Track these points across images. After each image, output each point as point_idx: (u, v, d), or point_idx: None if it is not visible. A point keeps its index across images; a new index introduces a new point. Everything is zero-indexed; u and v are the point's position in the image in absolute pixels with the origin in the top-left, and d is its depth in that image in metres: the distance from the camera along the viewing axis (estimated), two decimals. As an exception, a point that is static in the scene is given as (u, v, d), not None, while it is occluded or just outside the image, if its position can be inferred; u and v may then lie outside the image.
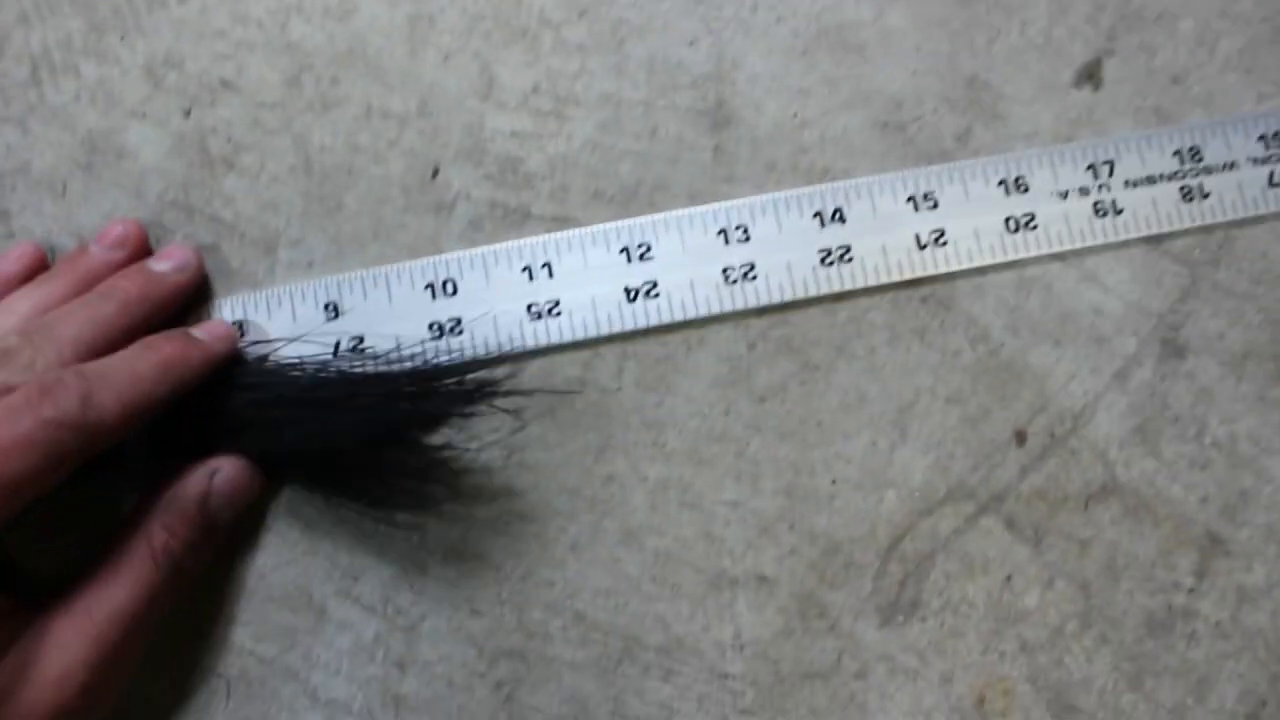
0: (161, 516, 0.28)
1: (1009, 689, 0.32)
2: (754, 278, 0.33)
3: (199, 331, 0.30)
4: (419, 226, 0.33)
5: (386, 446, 0.29)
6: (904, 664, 0.32)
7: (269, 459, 0.30)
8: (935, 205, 0.33)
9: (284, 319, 0.32)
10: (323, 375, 0.30)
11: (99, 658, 0.26)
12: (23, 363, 0.26)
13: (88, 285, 0.30)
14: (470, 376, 0.29)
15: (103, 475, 0.28)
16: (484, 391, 0.29)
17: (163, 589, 0.28)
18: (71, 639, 0.26)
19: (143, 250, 0.32)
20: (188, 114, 0.33)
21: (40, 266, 0.31)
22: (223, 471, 0.29)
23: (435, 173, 0.33)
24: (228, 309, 0.32)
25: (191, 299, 0.32)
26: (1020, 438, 0.33)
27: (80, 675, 0.25)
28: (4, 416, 0.24)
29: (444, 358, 0.30)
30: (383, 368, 0.30)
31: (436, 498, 0.31)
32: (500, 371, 0.31)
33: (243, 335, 0.31)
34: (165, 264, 0.31)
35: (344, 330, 0.31)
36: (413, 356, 0.30)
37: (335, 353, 0.31)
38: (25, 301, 0.29)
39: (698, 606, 0.32)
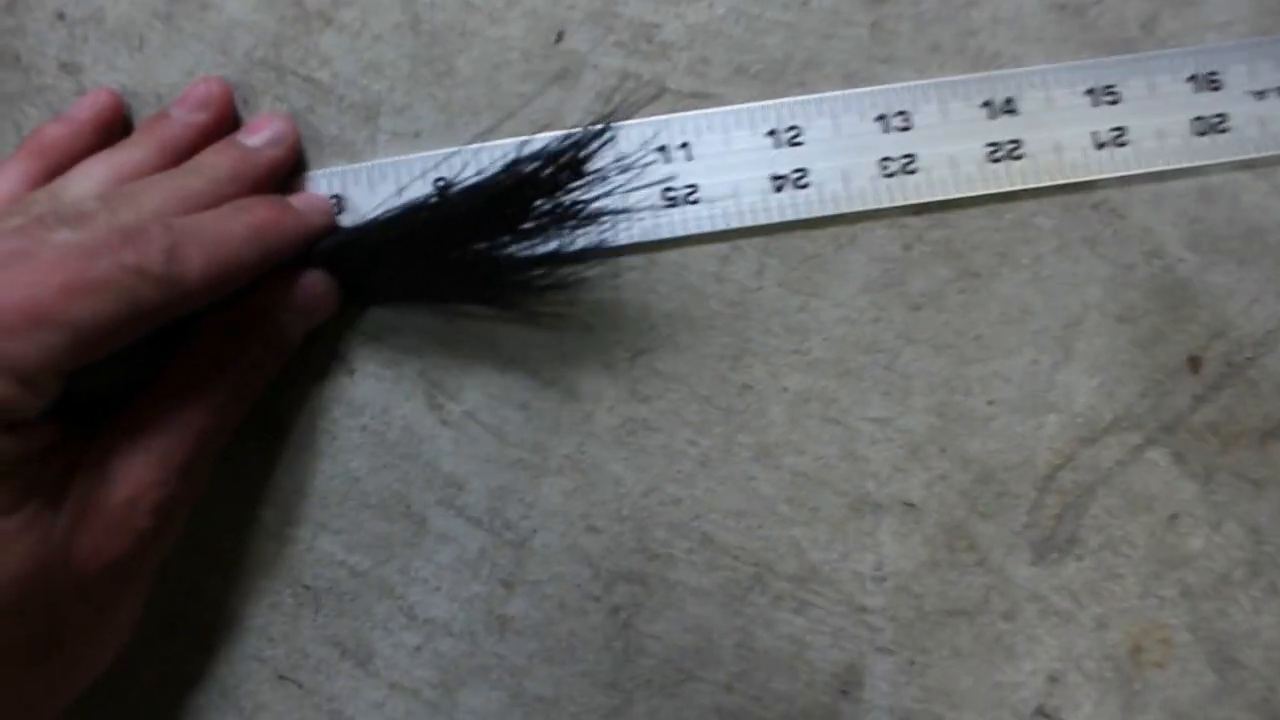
0: (228, 329, 0.26)
1: (1167, 638, 0.29)
2: (914, 170, 0.29)
3: (296, 200, 0.27)
4: (539, 97, 0.29)
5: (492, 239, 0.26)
6: (1056, 605, 0.29)
7: (359, 285, 0.27)
8: (1116, 100, 0.30)
9: (387, 196, 0.28)
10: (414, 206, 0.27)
11: (168, 476, 0.24)
12: (99, 225, 0.23)
13: (170, 153, 0.27)
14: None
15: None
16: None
17: (229, 405, 0.26)
18: (139, 459, 0.24)
19: (228, 114, 0.28)
20: (281, -41, 0.29)
21: (116, 118, 0.28)
22: (295, 284, 0.27)
23: (559, 37, 0.29)
24: (323, 182, 0.28)
25: (286, 177, 0.28)
26: (1194, 364, 0.30)
27: (151, 495, 0.24)
28: (78, 255, 0.21)
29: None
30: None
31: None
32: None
33: (339, 211, 0.28)
34: (258, 137, 0.28)
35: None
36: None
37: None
38: (102, 166, 0.26)
39: (837, 533, 0.28)
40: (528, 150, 0.25)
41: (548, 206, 0.25)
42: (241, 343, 0.26)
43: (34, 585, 0.22)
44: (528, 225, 0.25)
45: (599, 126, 0.25)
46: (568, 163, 0.25)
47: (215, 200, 0.26)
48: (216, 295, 0.24)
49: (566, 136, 0.25)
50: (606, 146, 0.25)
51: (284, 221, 0.26)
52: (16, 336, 0.20)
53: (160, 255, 0.22)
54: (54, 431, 0.23)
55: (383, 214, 0.27)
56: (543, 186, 0.25)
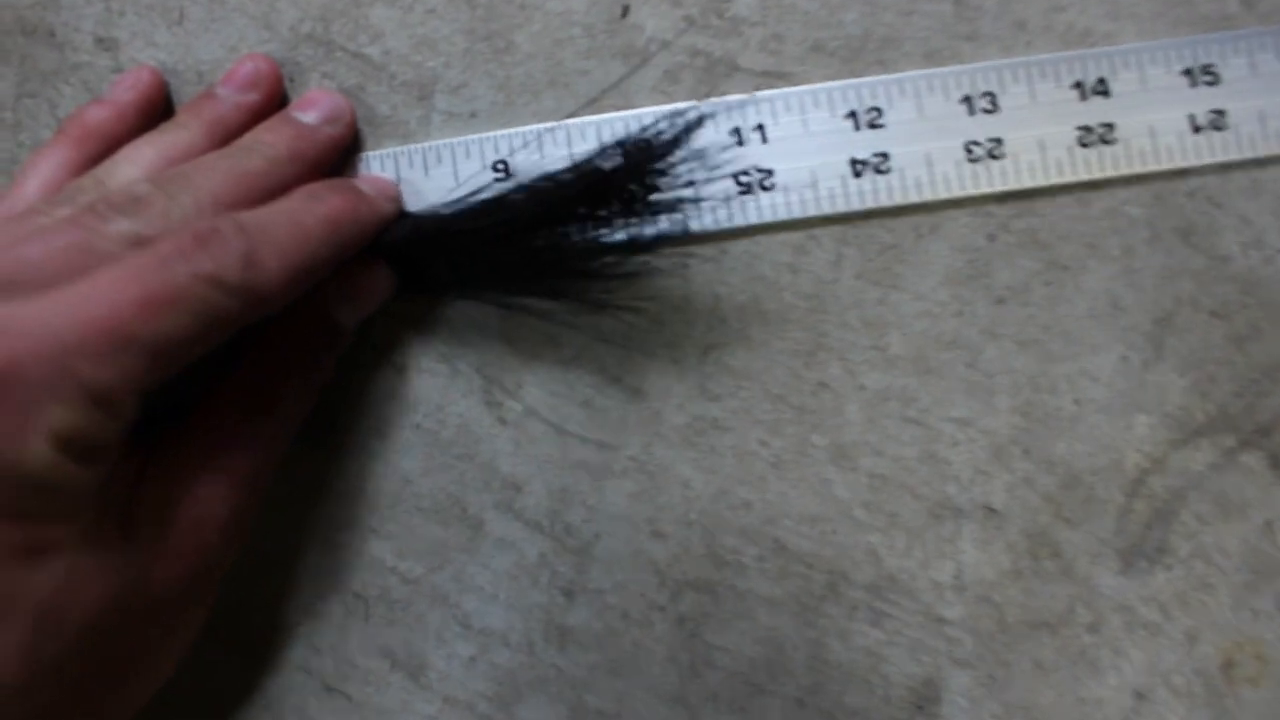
0: (289, 332, 0.25)
1: (1261, 653, 0.27)
2: (1000, 156, 0.27)
3: (365, 185, 0.25)
4: (604, 75, 0.27)
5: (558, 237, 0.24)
6: (1144, 617, 0.27)
7: (418, 274, 0.26)
8: (1215, 81, 0.28)
9: (444, 178, 0.26)
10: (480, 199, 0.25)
11: (235, 491, 0.23)
12: (157, 212, 0.21)
13: (220, 136, 0.25)
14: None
15: None
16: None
17: (292, 411, 0.24)
18: (206, 477, 0.22)
19: (278, 93, 0.27)
20: (328, -72, 0.28)
21: (158, 99, 0.26)
22: (357, 276, 0.25)
23: (625, 10, 0.28)
24: (376, 164, 0.27)
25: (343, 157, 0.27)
26: (1293, 362, 0.28)
27: (221, 512, 0.23)
28: (154, 265, 0.19)
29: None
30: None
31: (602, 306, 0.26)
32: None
33: (395, 196, 0.26)
34: (313, 113, 0.26)
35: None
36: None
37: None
38: (149, 150, 0.24)
39: (915, 540, 0.27)
40: (604, 145, 0.24)
41: (623, 200, 0.24)
42: (305, 346, 0.24)
43: (112, 617, 0.20)
44: (602, 217, 0.24)
45: (682, 123, 0.24)
46: (648, 162, 0.23)
47: (275, 182, 0.24)
48: (291, 298, 0.22)
49: (644, 133, 0.24)
50: (688, 142, 0.24)
51: (360, 211, 0.24)
52: (96, 359, 0.18)
53: (237, 262, 0.20)
54: (123, 454, 0.22)
55: (451, 203, 0.25)
56: (621, 185, 0.23)
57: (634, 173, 0.23)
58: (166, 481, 0.22)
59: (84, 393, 0.18)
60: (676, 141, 0.23)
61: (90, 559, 0.19)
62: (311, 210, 0.23)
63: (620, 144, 0.24)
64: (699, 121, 0.24)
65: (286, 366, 0.24)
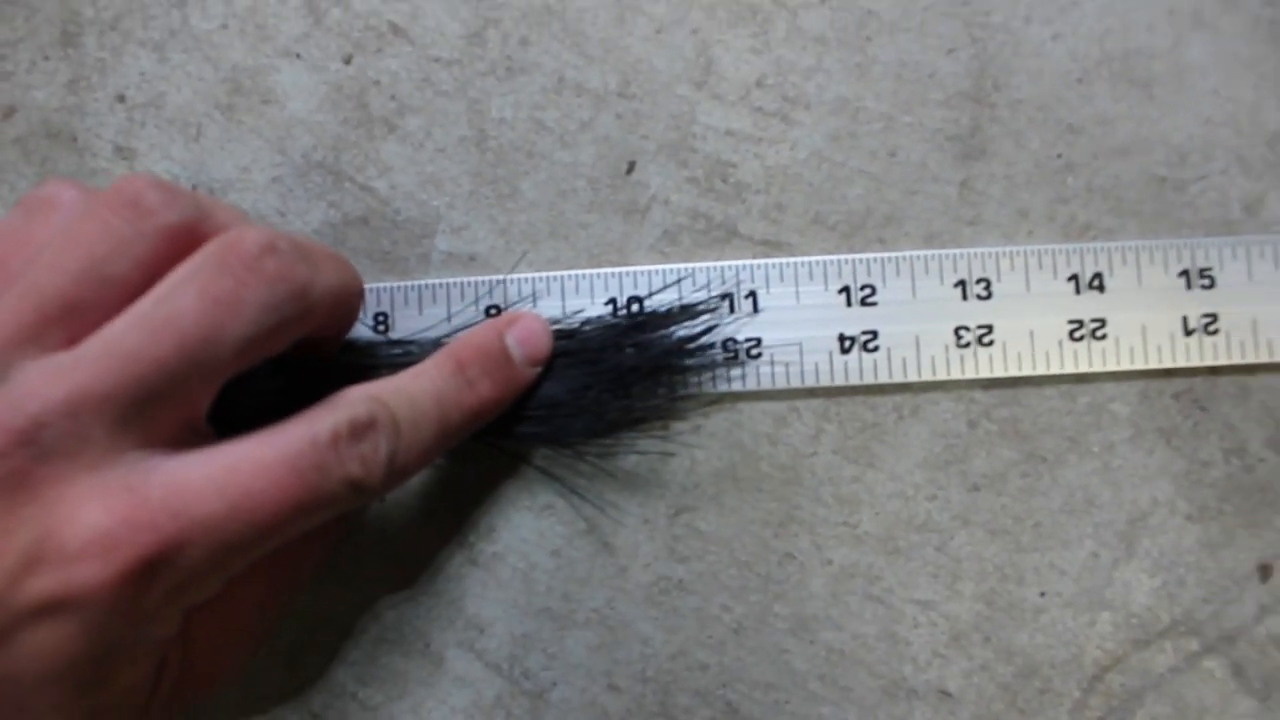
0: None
1: None
2: (990, 343, 0.27)
3: (515, 344, 0.25)
4: (604, 229, 0.28)
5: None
6: (1090, 811, 0.27)
7: None
8: (1211, 284, 0.28)
9: (437, 318, 0.27)
10: None
11: (247, 649, 0.24)
12: (385, 431, 0.22)
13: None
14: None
15: None
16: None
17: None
18: (226, 641, 0.24)
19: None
20: (348, 60, 0.28)
21: None
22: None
23: (631, 167, 0.28)
24: (372, 297, 0.27)
25: None
26: (1265, 572, 0.28)
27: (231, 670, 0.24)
28: (309, 454, 0.20)
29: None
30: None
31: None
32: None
33: (386, 331, 0.27)
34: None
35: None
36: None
37: None
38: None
39: (867, 716, 0.27)
40: (623, 326, 0.26)
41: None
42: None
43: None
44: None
45: (699, 326, 0.26)
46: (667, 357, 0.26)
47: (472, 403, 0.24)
48: None
49: (669, 318, 0.26)
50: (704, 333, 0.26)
51: (506, 395, 0.25)
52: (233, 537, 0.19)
53: (382, 467, 0.21)
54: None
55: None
56: (638, 372, 0.26)
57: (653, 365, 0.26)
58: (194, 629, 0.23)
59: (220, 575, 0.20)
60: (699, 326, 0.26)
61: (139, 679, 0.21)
62: (461, 402, 0.23)
63: (638, 340, 0.26)
64: (716, 328, 0.27)
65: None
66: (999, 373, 0.27)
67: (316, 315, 0.21)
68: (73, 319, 0.19)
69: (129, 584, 0.18)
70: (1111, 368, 0.28)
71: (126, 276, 0.20)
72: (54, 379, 0.19)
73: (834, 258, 0.27)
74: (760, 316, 0.27)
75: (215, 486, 0.19)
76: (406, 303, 0.27)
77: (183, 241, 0.20)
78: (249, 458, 0.20)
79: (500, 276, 0.27)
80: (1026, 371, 0.28)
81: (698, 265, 0.27)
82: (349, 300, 0.23)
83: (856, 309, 0.27)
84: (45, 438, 0.18)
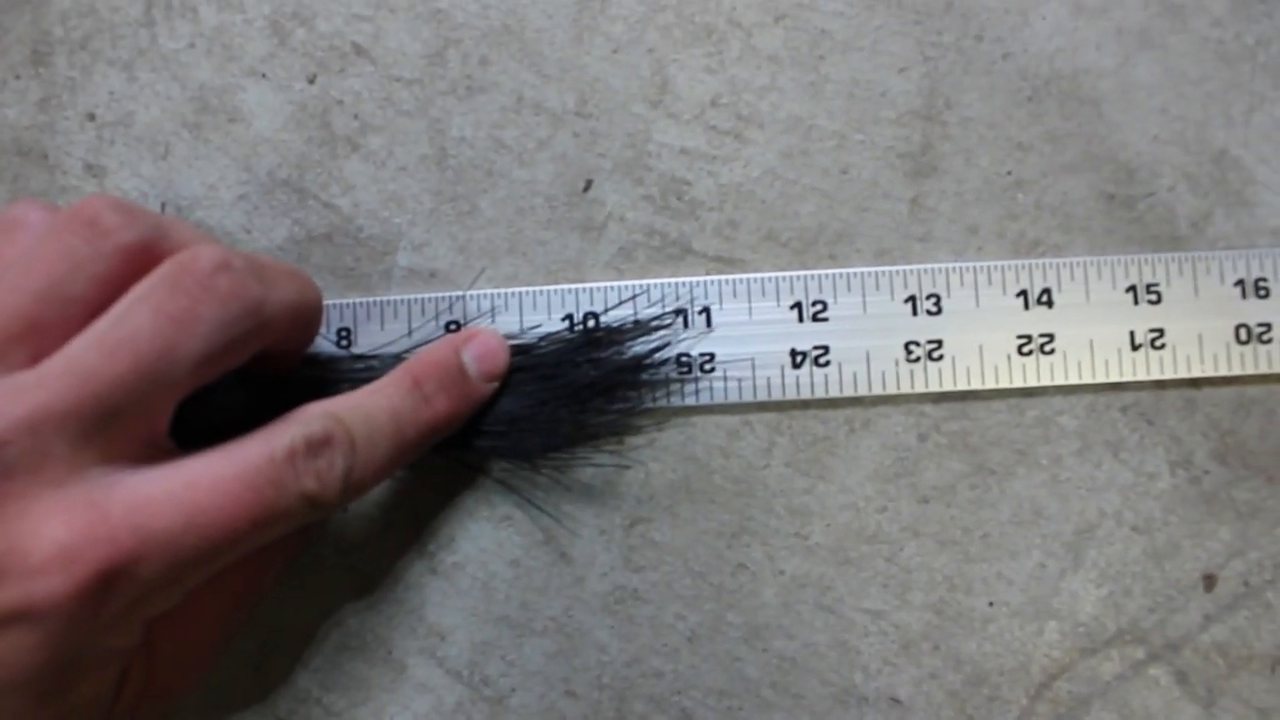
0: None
1: None
2: (939, 357, 0.28)
3: (472, 360, 0.26)
4: (561, 246, 0.28)
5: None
6: (1038, 815, 0.28)
7: None
8: (1158, 300, 0.28)
9: (398, 333, 0.28)
10: None
11: (210, 660, 0.25)
12: (341, 447, 0.22)
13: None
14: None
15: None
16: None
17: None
18: (190, 653, 0.24)
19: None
20: (312, 80, 0.29)
21: None
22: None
23: (588, 185, 0.29)
24: (335, 313, 0.28)
25: None
26: (1209, 582, 0.29)
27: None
28: (266, 471, 0.21)
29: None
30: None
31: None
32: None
33: (348, 346, 0.27)
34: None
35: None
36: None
37: None
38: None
39: (819, 722, 0.28)
40: (580, 342, 0.27)
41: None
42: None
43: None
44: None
45: (655, 342, 0.27)
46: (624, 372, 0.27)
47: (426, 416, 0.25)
48: None
49: (624, 334, 0.27)
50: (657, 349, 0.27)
51: (461, 411, 0.25)
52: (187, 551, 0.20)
53: (338, 483, 0.22)
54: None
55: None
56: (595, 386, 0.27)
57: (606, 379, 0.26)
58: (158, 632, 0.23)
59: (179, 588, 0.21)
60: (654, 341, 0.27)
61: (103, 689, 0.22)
62: (417, 418, 0.24)
63: (596, 358, 0.27)
64: (668, 345, 0.27)
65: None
66: (949, 387, 0.28)
67: (273, 330, 0.22)
68: (35, 338, 0.20)
69: (88, 596, 0.19)
70: (1060, 382, 0.28)
71: (86, 295, 0.21)
72: (16, 397, 0.19)
73: (786, 274, 0.28)
74: (714, 332, 0.28)
75: (174, 501, 0.20)
76: (369, 318, 0.28)
77: (140, 260, 0.21)
78: (207, 473, 0.20)
79: (460, 293, 0.28)
80: (976, 386, 0.28)
81: (653, 281, 0.28)
82: (307, 315, 0.24)
83: (808, 324, 0.28)
84: (8, 455, 0.19)
